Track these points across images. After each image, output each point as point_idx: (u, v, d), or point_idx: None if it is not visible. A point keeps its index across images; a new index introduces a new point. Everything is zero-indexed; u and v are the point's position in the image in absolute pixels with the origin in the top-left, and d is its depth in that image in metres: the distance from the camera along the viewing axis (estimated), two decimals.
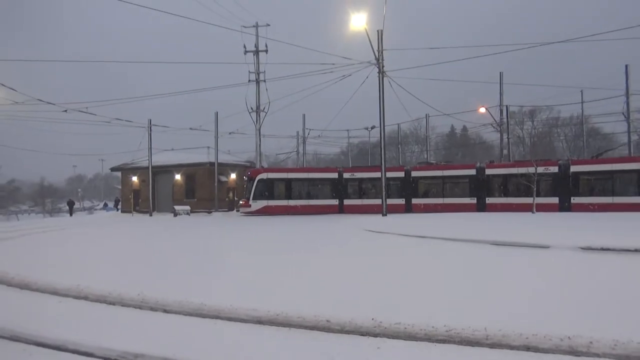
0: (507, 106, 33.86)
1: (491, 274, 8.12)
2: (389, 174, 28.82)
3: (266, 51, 34.56)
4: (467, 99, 60.12)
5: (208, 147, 38.66)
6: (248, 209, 28.82)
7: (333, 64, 24.90)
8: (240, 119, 40.03)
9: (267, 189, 29.05)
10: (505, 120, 34.31)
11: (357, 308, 5.53)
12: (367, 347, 4.42)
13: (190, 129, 35.65)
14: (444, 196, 27.47)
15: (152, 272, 8.57)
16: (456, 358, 4.12)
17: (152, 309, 6.04)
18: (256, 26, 34.57)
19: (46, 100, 24.00)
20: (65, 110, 25.75)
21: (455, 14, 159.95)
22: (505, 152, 34.88)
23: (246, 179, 29.78)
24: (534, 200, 22.61)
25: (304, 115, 43.36)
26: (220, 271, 8.58)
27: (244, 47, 34.33)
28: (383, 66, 21.32)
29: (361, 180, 29.81)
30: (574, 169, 24.92)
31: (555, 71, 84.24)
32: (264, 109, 34.78)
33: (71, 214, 41.55)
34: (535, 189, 23.08)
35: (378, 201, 27.17)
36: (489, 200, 26.39)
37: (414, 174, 28.38)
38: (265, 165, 37.73)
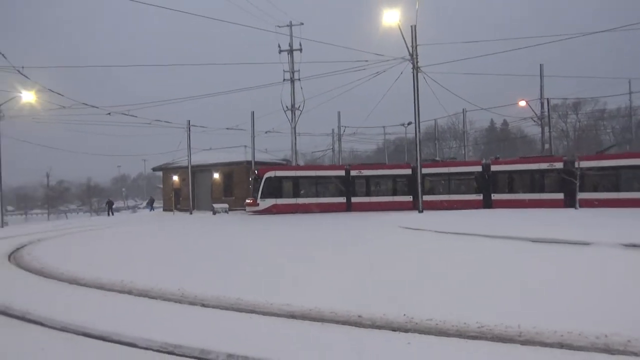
0: (548, 99, 32.81)
1: (528, 271, 7.99)
2: (396, 172, 29.04)
3: (300, 50, 34.81)
4: (508, 93, 58.49)
5: (245, 146, 39.29)
6: (256, 208, 28.51)
7: (366, 60, 24.90)
8: (276, 117, 40.57)
9: (275, 188, 28.63)
10: (546, 113, 33.26)
11: (389, 304, 5.59)
12: (397, 342, 4.46)
13: (227, 128, 36.38)
14: (449, 192, 27.42)
15: (191, 269, 8.88)
16: (487, 353, 4.11)
17: (191, 303, 6.28)
18: (290, 25, 34.85)
19: (91, 104, 25.03)
20: (109, 113, 26.83)
21: (491, 6, 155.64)
22: (547, 146, 33.83)
23: (253, 177, 29.38)
24: (577, 196, 22.09)
25: (339, 113, 43.41)
26: (256, 268, 8.78)
27: (279, 46, 34.70)
28: (417, 62, 21.13)
29: (369, 177, 29.35)
30: (582, 164, 23.86)
31: (600, 62, 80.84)
32: (298, 107, 35.10)
33: (110, 214, 42.44)
34: (578, 184, 22.52)
35: (386, 198, 28.67)
36: (495, 197, 26.26)
37: (423, 170, 27.59)
38: (301, 163, 38.06)
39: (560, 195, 24.98)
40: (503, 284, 6.88)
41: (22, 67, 17.86)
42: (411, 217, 19.59)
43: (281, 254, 10.68)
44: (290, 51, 34.75)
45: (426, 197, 27.53)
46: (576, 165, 23.62)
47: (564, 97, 50.21)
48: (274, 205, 28.38)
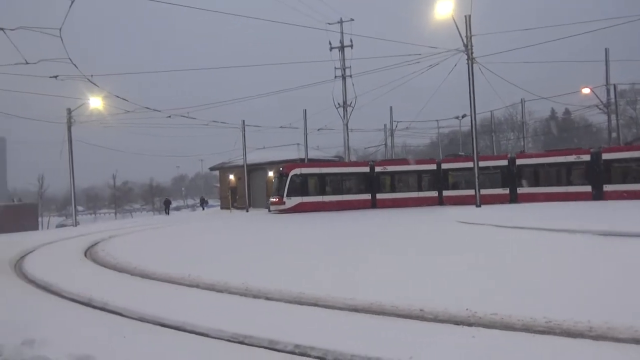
0: (614, 85, 30.99)
1: (597, 265, 7.69)
2: (422, 167, 28.55)
3: (351, 46, 34.83)
4: (571, 80, 55.59)
5: (298, 144, 39.85)
6: (281, 207, 27.79)
7: (419, 54, 24.52)
8: (328, 114, 40.76)
9: (301, 185, 28.10)
10: (612, 100, 31.43)
11: (450, 299, 5.57)
12: (461, 336, 4.45)
13: (281, 127, 37.01)
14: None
15: (251, 264, 9.18)
16: (556, 347, 4.03)
17: (255, 296, 6.53)
18: (340, 22, 34.94)
19: (153, 108, 26.26)
20: (169, 116, 28.07)
21: None
22: (614, 135, 32.00)
23: (278, 175, 28.95)
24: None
25: (391, 108, 43.11)
26: (317, 264, 8.97)
27: (330, 43, 34.88)
28: (472, 52, 20.60)
29: (393, 173, 28.97)
30: (605, 156, 24.27)
31: None
32: (350, 103, 35.16)
33: (167, 213, 43.90)
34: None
35: (412, 194, 28.47)
36: (521, 191, 26.10)
37: (444, 166, 28.27)
38: (353, 159, 38.06)
39: (588, 188, 24.61)
40: (571, 279, 6.67)
41: (92, 76, 19.09)
42: (467, 212, 19.18)
43: (340, 251, 10.83)
44: (341, 48, 34.86)
45: (452, 192, 27.34)
46: (603, 157, 23.88)
47: (632, 82, 47.13)
48: (300, 204, 27.81)
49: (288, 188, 27.79)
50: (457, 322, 4.92)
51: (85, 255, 12.34)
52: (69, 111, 28.80)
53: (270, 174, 38.44)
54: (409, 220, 18.62)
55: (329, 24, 34.57)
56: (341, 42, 34.90)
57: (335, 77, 35.17)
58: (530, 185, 26.20)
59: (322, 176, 28.90)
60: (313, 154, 38.78)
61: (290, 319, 5.32)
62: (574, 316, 4.71)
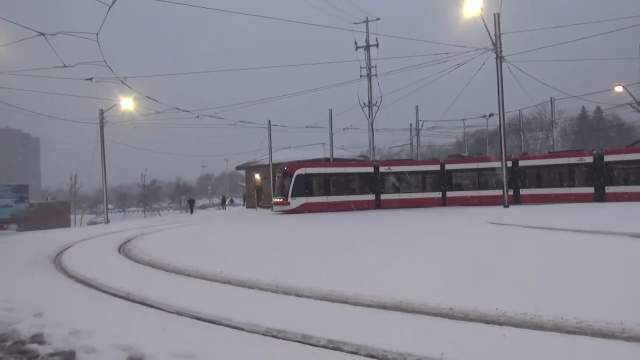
0: None
1: (630, 267, 7.60)
2: (426, 168, 28.28)
3: (377, 45, 34.78)
4: (602, 78, 54.22)
5: (323, 144, 40.02)
6: (286, 207, 27.16)
7: (447, 53, 24.36)
8: (353, 114, 40.83)
9: (306, 185, 27.44)
10: None
11: (480, 299, 5.61)
12: (492, 334, 4.52)
13: (307, 127, 37.21)
14: (479, 188, 27.55)
15: (281, 261, 9.38)
16: (587, 347, 4.06)
17: (286, 293, 6.70)
18: (366, 21, 34.94)
19: (182, 109, 26.81)
20: (198, 116, 28.60)
21: None
22: None
23: (282, 174, 28.07)
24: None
25: (416, 107, 42.81)
26: (344, 261, 9.11)
27: (355, 43, 34.89)
28: (501, 51, 20.35)
29: (398, 174, 28.58)
30: (607, 158, 24.55)
31: None
32: (376, 103, 35.11)
33: (192, 212, 43.92)
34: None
35: (416, 195, 28.27)
36: (523, 192, 26.42)
37: (448, 166, 28.21)
38: (378, 158, 38.00)
39: (591, 189, 24.80)
40: (602, 280, 6.63)
41: (125, 78, 19.66)
42: (496, 212, 19.00)
43: (366, 248, 10.93)
44: (367, 47, 34.83)
45: (455, 193, 27.84)
46: (605, 159, 24.27)
47: None
48: (305, 204, 27.20)
49: (293, 188, 27.20)
50: (487, 321, 4.98)
51: (119, 252, 12.76)
52: (101, 112, 29.64)
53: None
54: (431, 221, 18.55)
55: (355, 23, 34.64)
56: (367, 41, 34.88)
57: (361, 76, 35.18)
58: (533, 186, 26.50)
59: (326, 176, 28.42)
60: (338, 154, 38.87)
61: (321, 315, 5.46)
62: (605, 317, 4.72)
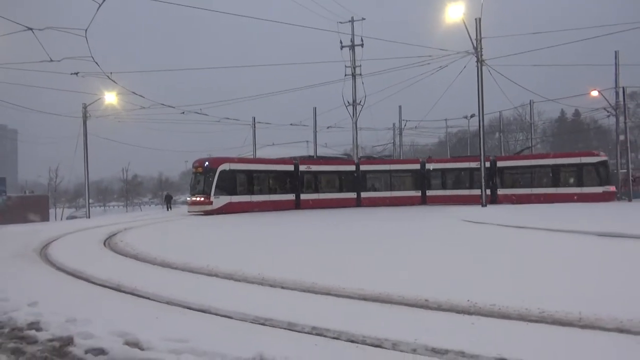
0: (623, 88, 31.14)
1: (593, 263, 8.14)
2: (341, 168, 28.94)
3: (362, 45, 35.19)
4: (582, 82, 55.61)
5: (307, 141, 40.45)
6: (207, 207, 24.08)
7: (430, 56, 24.90)
8: (338, 112, 41.21)
9: (230, 183, 24.90)
10: (622, 102, 31.57)
11: (453, 291, 6.02)
12: (462, 323, 4.92)
13: (291, 124, 37.51)
14: (392, 189, 29.42)
15: (265, 256, 9.70)
16: (546, 333, 4.49)
17: (272, 285, 7.03)
18: (352, 21, 35.33)
19: (167, 104, 26.87)
20: (183, 112, 28.67)
21: None
22: (622, 137, 32.16)
23: (202, 170, 24.97)
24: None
25: (399, 107, 43.46)
26: (329, 257, 9.48)
27: (340, 42, 35.29)
28: (482, 55, 20.95)
29: (316, 173, 28.45)
30: (500, 164, 28.13)
31: None
32: (360, 102, 35.55)
33: (169, 208, 42.02)
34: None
35: (336, 195, 28.72)
36: (429, 193, 28.92)
37: (362, 167, 29.16)
38: (361, 156, 38.46)
39: (488, 191, 26.84)
40: (567, 275, 7.12)
41: (111, 73, 19.70)
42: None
43: (348, 245, 11.32)
44: (352, 47, 35.22)
45: (369, 194, 28.77)
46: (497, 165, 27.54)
47: None
48: (229, 204, 24.62)
49: (216, 185, 24.36)
50: (459, 311, 5.38)
51: (105, 246, 12.92)
52: (85, 106, 29.50)
53: None
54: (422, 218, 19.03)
55: (340, 22, 35.00)
56: (352, 41, 35.28)
57: (346, 75, 35.58)
58: (437, 188, 29.09)
59: (250, 173, 26.49)
60: (321, 152, 39.25)
61: (306, 305, 5.82)
62: (565, 308, 5.16)
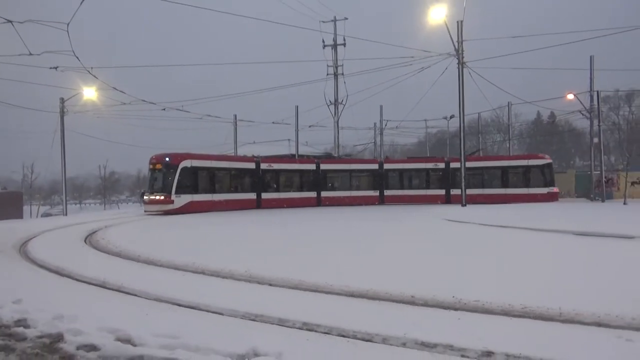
0: (598, 91, 31.98)
1: (573, 261, 8.41)
2: (302, 167, 29.28)
3: (344, 45, 35.39)
4: (557, 85, 56.95)
5: (289, 140, 40.41)
6: (168, 207, 22.51)
7: (412, 56, 25.25)
8: (320, 112, 41.31)
9: (192, 181, 23.56)
10: (595, 106, 32.43)
11: (438, 288, 6.18)
12: (448, 318, 5.07)
13: (273, 123, 37.40)
14: (351, 189, 29.87)
15: (250, 254, 9.73)
16: (529, 328, 4.67)
17: (259, 282, 7.08)
18: (334, 20, 35.47)
19: (148, 100, 26.54)
20: (164, 109, 28.35)
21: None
22: (595, 140, 33.03)
23: (161, 166, 23.28)
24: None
25: (381, 107, 43.76)
26: (314, 255, 9.57)
27: (323, 41, 35.40)
28: (463, 57, 21.29)
29: (279, 172, 28.10)
30: (452, 165, 28.97)
31: None
32: (342, 101, 35.75)
33: None
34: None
35: (297, 194, 28.57)
36: (387, 193, 29.68)
37: (323, 166, 29.55)
38: (342, 156, 38.66)
39: (443, 192, 29.06)
40: (547, 272, 7.36)
41: (92, 68, 19.37)
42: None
43: (335, 244, 11.43)
44: (334, 46, 35.36)
45: (329, 193, 29.18)
46: (451, 166, 28.47)
47: (616, 88, 48.45)
48: (191, 203, 23.18)
49: (177, 183, 22.82)
50: (445, 307, 5.53)
51: (86, 243, 12.74)
52: (62, 100, 28.88)
53: None
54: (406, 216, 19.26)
55: (323, 22, 35.11)
56: (334, 40, 35.43)
57: (328, 74, 35.71)
58: (394, 188, 29.75)
59: (212, 171, 25.08)
60: (303, 150, 39.29)
61: (295, 302, 5.89)
62: (547, 304, 5.35)
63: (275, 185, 27.98)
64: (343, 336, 4.55)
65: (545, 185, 27.66)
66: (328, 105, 35.70)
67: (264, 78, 52.92)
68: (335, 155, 36.81)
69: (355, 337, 4.50)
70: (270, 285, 6.94)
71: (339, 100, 35.60)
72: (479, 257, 9.07)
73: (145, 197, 23.88)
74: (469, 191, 27.57)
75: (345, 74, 35.36)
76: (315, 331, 4.73)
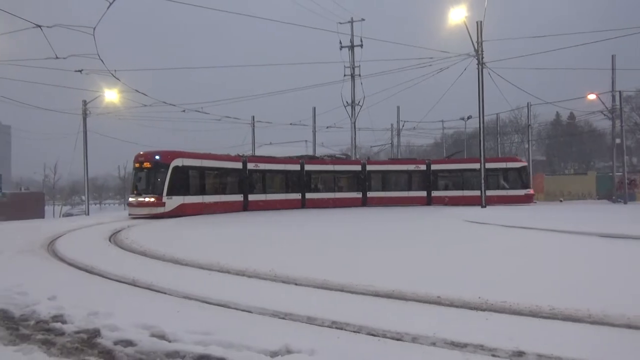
0: (620, 92, 31.51)
1: (598, 263, 8.34)
2: (288, 167, 28.76)
3: (361, 46, 35.43)
4: (578, 85, 56.19)
5: (305, 141, 40.64)
6: (159, 210, 20.74)
7: (431, 57, 25.07)
8: (337, 113, 41.37)
9: (184, 181, 21.69)
10: (617, 106, 31.95)
11: (464, 289, 6.20)
12: (476, 318, 5.10)
13: (291, 124, 37.63)
14: (335, 190, 29.51)
15: (274, 253, 9.85)
16: (558, 329, 4.67)
17: (284, 282, 7.17)
18: (351, 22, 35.54)
19: (169, 102, 26.93)
20: (184, 111, 28.73)
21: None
22: (618, 140, 32.54)
23: (150, 165, 21.22)
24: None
25: (398, 108, 43.74)
26: (336, 255, 9.65)
27: (340, 42, 35.51)
28: (482, 57, 21.16)
29: (265, 172, 26.86)
30: (433, 167, 29.81)
31: None
32: (359, 102, 35.77)
33: None
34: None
35: (286, 196, 27.85)
36: (370, 194, 29.65)
37: (307, 167, 29.19)
38: (359, 157, 38.67)
39: (424, 193, 29.47)
40: (575, 274, 7.31)
41: (115, 71, 19.76)
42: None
43: (359, 242, 11.49)
44: (351, 47, 35.42)
45: (313, 195, 28.78)
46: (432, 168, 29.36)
47: (638, 88, 47.61)
48: (182, 206, 21.41)
49: (169, 184, 20.88)
50: (472, 307, 5.55)
51: (111, 242, 13.00)
52: (85, 103, 29.48)
53: None
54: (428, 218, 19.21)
55: (340, 23, 35.19)
56: (351, 41, 35.48)
57: (345, 76, 35.77)
58: (377, 190, 29.73)
59: (203, 170, 23.31)
60: (319, 151, 39.42)
61: (321, 301, 5.97)
62: (575, 305, 5.34)
63: (262, 186, 26.88)
64: (373, 335, 4.61)
65: (523, 187, 28.38)
66: (345, 107, 35.78)
67: (282, 79, 53.15)
68: (352, 156, 36.85)
69: (384, 336, 4.55)
70: (296, 284, 7.02)
71: (356, 102, 35.63)
72: (503, 258, 9.05)
73: (131, 199, 21.69)
74: (448, 193, 29.01)
75: (363, 75, 35.40)
76: (345, 330, 4.79)
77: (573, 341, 4.31)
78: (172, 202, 20.97)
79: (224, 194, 24.69)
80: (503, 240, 11.82)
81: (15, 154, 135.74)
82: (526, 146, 42.45)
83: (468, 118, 47.44)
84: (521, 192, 28.01)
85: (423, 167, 29.89)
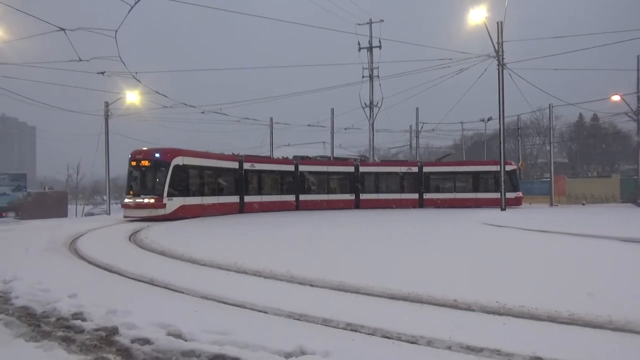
0: None
1: (620, 268, 8.16)
2: (282, 168, 28.04)
3: (379, 47, 35.31)
4: (600, 86, 55.10)
5: (323, 142, 40.65)
6: (158, 212, 19.58)
7: (450, 59, 24.86)
8: (355, 114, 41.33)
9: (184, 181, 20.51)
10: None
11: (481, 292, 6.12)
12: (494, 323, 5.03)
13: (309, 125, 37.70)
14: (328, 192, 29.07)
15: (291, 254, 9.88)
16: (578, 335, 4.59)
17: (301, 283, 7.19)
18: (370, 23, 35.49)
19: (189, 104, 27.27)
20: (203, 112, 29.03)
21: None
22: None
23: (148, 163, 19.90)
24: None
25: (417, 109, 43.44)
26: (352, 257, 9.62)
27: (358, 44, 35.48)
28: (503, 58, 20.89)
29: (260, 172, 25.97)
30: (425, 170, 29.76)
31: None
32: (377, 104, 35.65)
33: None
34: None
35: (280, 197, 27.32)
36: (363, 197, 29.39)
37: (301, 168, 28.58)
38: (376, 159, 38.53)
39: (416, 195, 29.49)
40: (595, 279, 7.16)
41: (136, 73, 20.10)
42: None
43: (376, 245, 11.46)
44: (370, 48, 35.35)
45: (307, 197, 28.32)
46: (424, 170, 29.57)
47: None
48: (182, 207, 20.33)
49: (169, 184, 19.59)
50: (489, 312, 5.49)
51: (131, 242, 13.21)
52: (107, 104, 30.02)
53: None
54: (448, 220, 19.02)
55: (359, 24, 35.16)
56: (370, 42, 35.41)
57: (363, 77, 35.70)
58: (370, 192, 29.51)
59: (202, 170, 22.16)
60: (337, 153, 39.42)
61: (337, 302, 5.95)
62: (595, 311, 5.23)
63: (257, 187, 26.13)
64: (387, 337, 4.59)
65: (513, 190, 28.36)
66: (363, 108, 35.70)
67: (300, 81, 53.32)
68: (370, 158, 36.74)
69: (399, 339, 4.53)
70: (312, 285, 7.03)
71: (375, 103, 35.53)
72: (521, 262, 8.93)
73: (127, 200, 20.30)
74: (440, 195, 29.01)
75: (381, 77, 35.28)
76: (360, 332, 4.79)
77: (592, 348, 4.22)
78: (173, 203, 19.92)
79: (222, 195, 23.62)
80: (521, 244, 11.64)
81: (39, 154, 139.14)
82: (548, 148, 41.72)
83: (488, 119, 46.93)
84: (511, 195, 27.63)
85: (415, 169, 29.90)
